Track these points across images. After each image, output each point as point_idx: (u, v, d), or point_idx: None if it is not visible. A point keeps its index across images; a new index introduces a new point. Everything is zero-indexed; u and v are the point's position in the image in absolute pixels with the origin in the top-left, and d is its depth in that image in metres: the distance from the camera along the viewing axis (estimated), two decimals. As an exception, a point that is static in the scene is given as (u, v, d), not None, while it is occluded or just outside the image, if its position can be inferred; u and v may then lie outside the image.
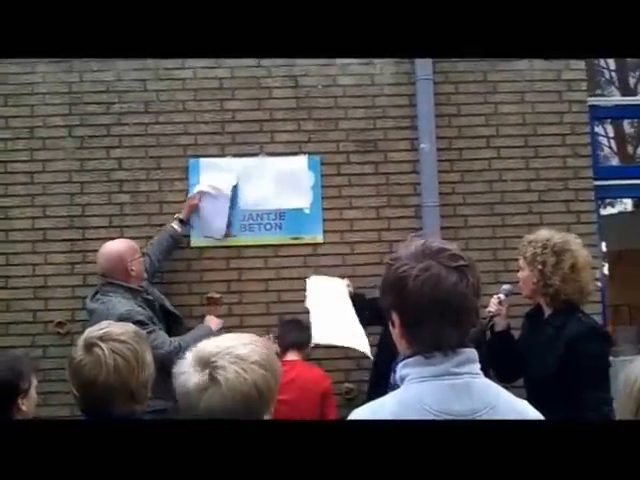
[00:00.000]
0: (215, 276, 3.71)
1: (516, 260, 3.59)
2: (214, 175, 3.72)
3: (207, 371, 1.27)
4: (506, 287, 2.91)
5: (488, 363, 2.69)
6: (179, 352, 3.00)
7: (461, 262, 1.32)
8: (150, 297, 3.27)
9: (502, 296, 2.84)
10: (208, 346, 1.32)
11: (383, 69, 3.84)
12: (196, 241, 3.71)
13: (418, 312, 1.30)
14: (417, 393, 1.29)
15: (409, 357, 1.35)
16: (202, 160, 3.75)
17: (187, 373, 1.29)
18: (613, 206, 6.64)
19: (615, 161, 6.41)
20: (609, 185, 4.11)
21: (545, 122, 3.86)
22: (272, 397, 1.34)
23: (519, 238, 3.75)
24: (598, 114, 4.21)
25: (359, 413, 1.35)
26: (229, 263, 3.71)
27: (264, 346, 1.39)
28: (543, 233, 2.71)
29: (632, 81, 6.40)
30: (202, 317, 3.61)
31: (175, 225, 3.57)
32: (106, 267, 3.18)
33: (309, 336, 3.06)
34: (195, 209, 3.67)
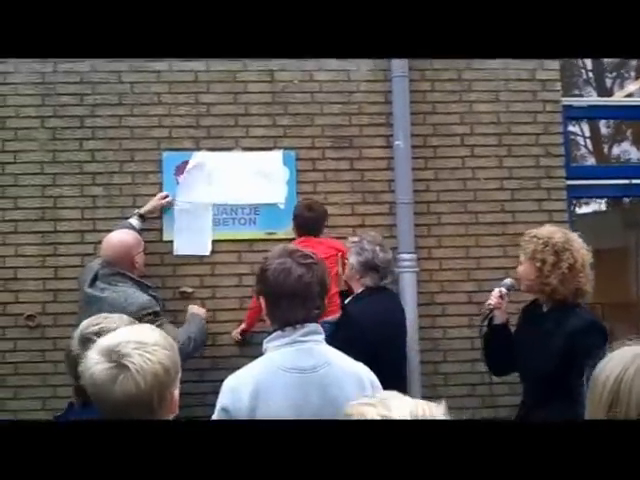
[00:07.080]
0: (188, 270, 3.69)
1: (488, 257, 3.63)
2: (188, 170, 3.71)
3: (114, 360, 1.34)
4: (507, 281, 2.85)
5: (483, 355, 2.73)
6: (191, 343, 3.13)
7: (309, 260, 1.79)
8: (155, 294, 3.25)
9: (503, 289, 2.80)
10: (108, 339, 1.41)
11: (359, 65, 3.83)
12: (169, 235, 3.69)
13: (274, 296, 1.78)
14: (272, 357, 1.77)
15: (272, 333, 1.81)
16: (176, 153, 3.72)
17: (94, 367, 1.36)
18: (588, 205, 6.70)
19: (591, 161, 6.47)
20: (582, 185, 4.15)
21: (519, 121, 3.90)
22: (177, 371, 1.45)
23: (491, 236, 3.81)
24: (572, 114, 4.25)
25: (230, 379, 1.78)
26: (202, 257, 3.69)
27: (155, 329, 1.50)
28: (546, 230, 2.65)
29: (608, 82, 6.46)
30: (174, 311, 3.60)
31: (134, 221, 3.51)
32: (113, 257, 3.16)
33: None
34: (161, 208, 3.65)
